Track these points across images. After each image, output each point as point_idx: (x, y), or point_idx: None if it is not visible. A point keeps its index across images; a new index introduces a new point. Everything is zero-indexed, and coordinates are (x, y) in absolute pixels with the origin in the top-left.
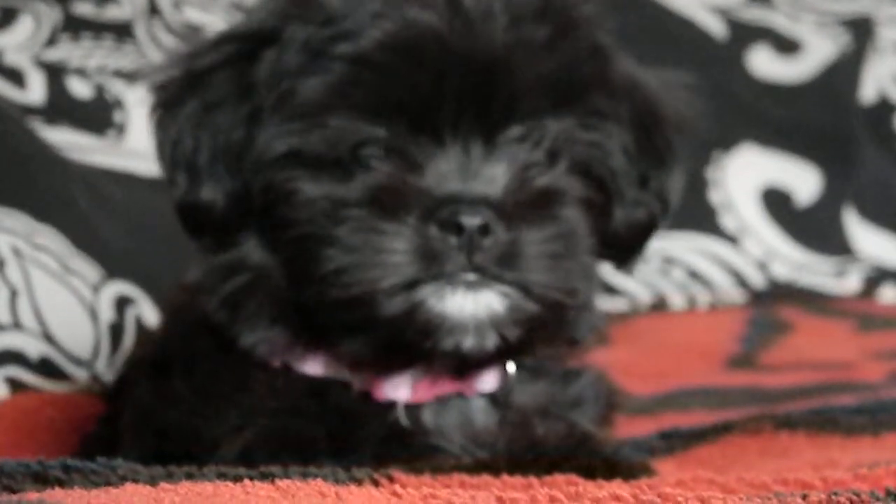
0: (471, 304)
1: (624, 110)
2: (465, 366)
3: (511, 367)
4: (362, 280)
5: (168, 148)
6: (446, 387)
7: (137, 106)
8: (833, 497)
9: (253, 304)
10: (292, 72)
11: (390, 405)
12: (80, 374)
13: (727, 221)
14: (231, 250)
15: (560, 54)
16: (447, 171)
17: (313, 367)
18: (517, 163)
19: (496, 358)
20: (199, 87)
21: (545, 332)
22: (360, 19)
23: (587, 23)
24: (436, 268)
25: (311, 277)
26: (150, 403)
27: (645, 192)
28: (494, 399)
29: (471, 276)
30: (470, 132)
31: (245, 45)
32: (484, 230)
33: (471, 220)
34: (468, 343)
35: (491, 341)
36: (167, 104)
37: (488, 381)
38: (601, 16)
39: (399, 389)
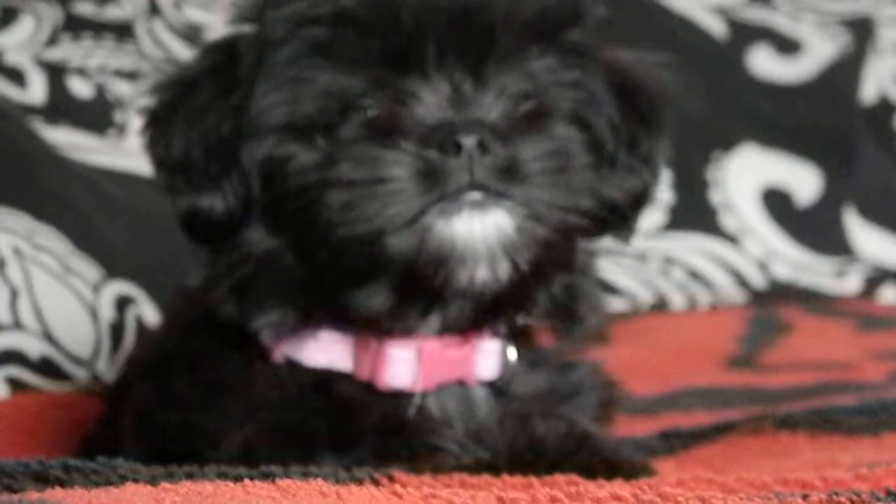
0: (479, 225)
1: (603, 72)
2: (478, 315)
3: (512, 354)
4: (367, 214)
5: (162, 158)
6: (449, 371)
7: (138, 106)
8: (833, 497)
9: (261, 288)
10: (276, 44)
11: (392, 397)
12: (81, 374)
13: (727, 221)
14: (235, 247)
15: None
16: (438, 101)
17: (318, 355)
18: (506, 92)
19: (507, 302)
20: (187, 94)
21: (554, 260)
22: None
23: None
24: (439, 190)
25: (315, 228)
26: (150, 402)
27: (634, 156)
28: (495, 388)
29: (475, 195)
30: (456, 68)
31: (227, 50)
32: (482, 147)
33: (468, 139)
34: (482, 273)
35: (503, 269)
36: (157, 121)
37: (489, 367)
38: None
39: (402, 376)
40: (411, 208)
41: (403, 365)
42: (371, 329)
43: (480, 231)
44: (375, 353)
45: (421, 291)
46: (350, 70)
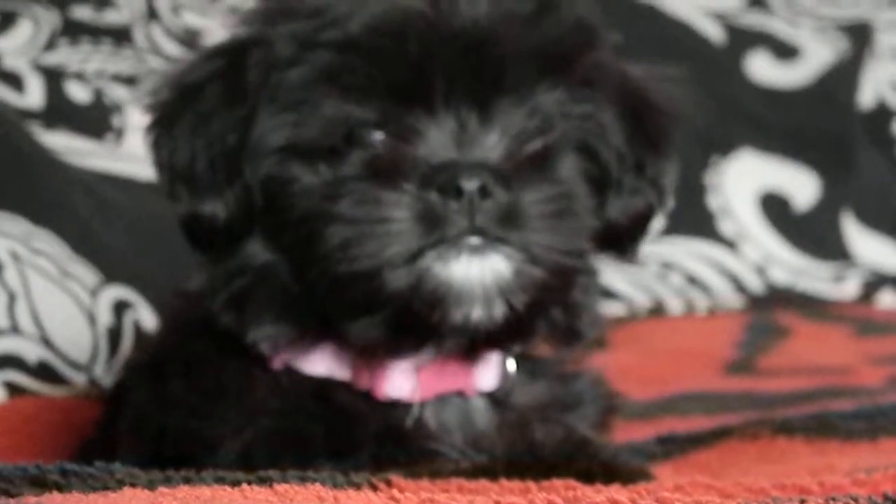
0: (476, 269)
1: (613, 95)
2: (473, 346)
3: (511, 365)
4: (366, 252)
5: (166, 163)
6: (448, 382)
7: (136, 110)
8: (831, 502)
9: (258, 301)
10: (282, 65)
11: (391, 405)
12: (79, 379)
13: (725, 226)
14: (235, 256)
15: (545, 25)
16: (442, 140)
17: (316, 364)
18: (512, 130)
19: (504, 336)
20: (192, 100)
21: (551, 300)
22: (344, 7)
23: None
24: (438, 233)
25: (315, 258)
26: (148, 406)
27: (641, 179)
28: (494, 399)
29: (474, 240)
30: (462, 103)
31: (234, 56)
32: (483, 192)
33: (470, 183)
34: (477, 313)
35: (499, 310)
36: (162, 123)
37: (488, 379)
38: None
39: (401, 388)
40: (410, 249)
41: (402, 376)
42: (365, 355)
43: (478, 275)
44: (371, 362)
45: (416, 327)
46: (356, 99)
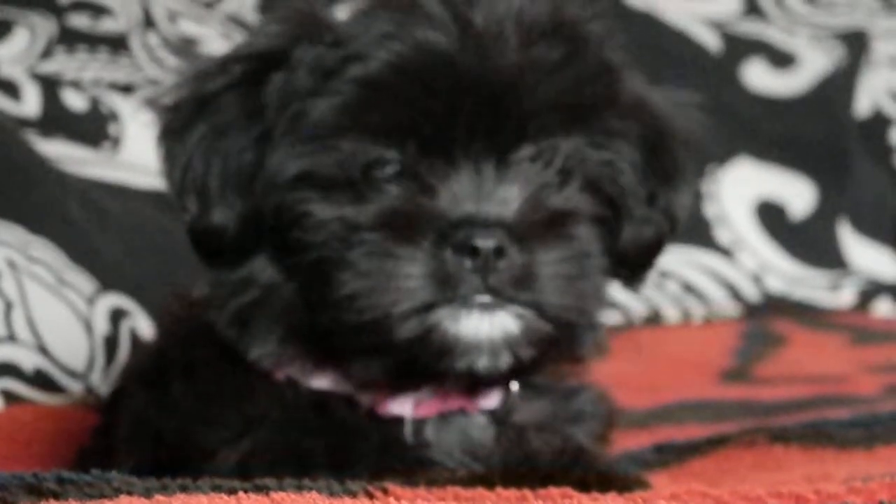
0: (486, 326)
1: (632, 128)
2: (475, 385)
3: (514, 386)
4: (377, 305)
5: (178, 173)
6: (450, 401)
7: (133, 118)
8: None
9: (263, 320)
10: (302, 94)
11: (392, 420)
12: (75, 387)
13: (722, 235)
14: (241, 269)
15: (571, 74)
16: (460, 193)
17: (318, 379)
18: (530, 184)
19: (506, 378)
20: (208, 110)
21: (557, 351)
22: (369, 41)
23: (598, 41)
24: (450, 291)
25: (324, 301)
26: (146, 412)
27: (653, 209)
28: (495, 416)
29: (486, 298)
30: (482, 153)
31: (253, 66)
32: (498, 252)
33: (485, 243)
34: (482, 363)
35: (504, 361)
36: (176, 129)
37: (491, 398)
38: (611, 33)
39: (403, 405)
40: (421, 303)
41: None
42: (367, 386)
43: (486, 332)
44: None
45: (419, 371)
46: (375, 138)
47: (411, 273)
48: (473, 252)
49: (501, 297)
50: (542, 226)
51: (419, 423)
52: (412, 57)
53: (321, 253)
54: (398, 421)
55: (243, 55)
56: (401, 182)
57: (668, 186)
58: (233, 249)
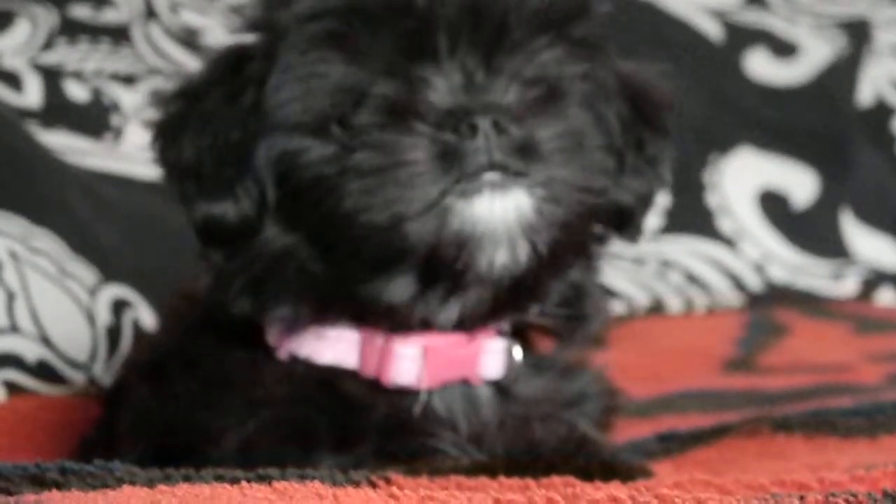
0: (499, 205)
1: (610, 81)
2: (496, 302)
3: (517, 353)
4: (386, 199)
5: (173, 168)
6: (454, 370)
7: (134, 110)
8: (830, 498)
9: (276, 283)
10: (286, 37)
11: (397, 394)
12: (78, 378)
13: (724, 224)
14: (249, 249)
15: None
16: (452, 88)
17: (324, 353)
18: (518, 79)
19: (523, 291)
20: (195, 105)
21: (570, 245)
22: None
23: None
24: (457, 171)
25: (334, 218)
26: (149, 402)
27: (641, 158)
28: (499, 388)
29: (494, 176)
30: (468, 57)
31: (236, 56)
32: (498, 128)
33: (484, 121)
34: (501, 257)
35: (523, 251)
36: (166, 131)
37: (494, 366)
38: None
39: (407, 373)
40: (431, 191)
41: (409, 362)
42: (388, 321)
43: (501, 212)
44: (381, 349)
45: (441, 277)
46: (362, 61)
47: (415, 159)
48: (473, 130)
49: (508, 172)
50: (536, 106)
51: (426, 394)
52: None
53: (324, 177)
54: (404, 394)
55: (228, 52)
56: (391, 87)
57: (653, 132)
58: (238, 233)
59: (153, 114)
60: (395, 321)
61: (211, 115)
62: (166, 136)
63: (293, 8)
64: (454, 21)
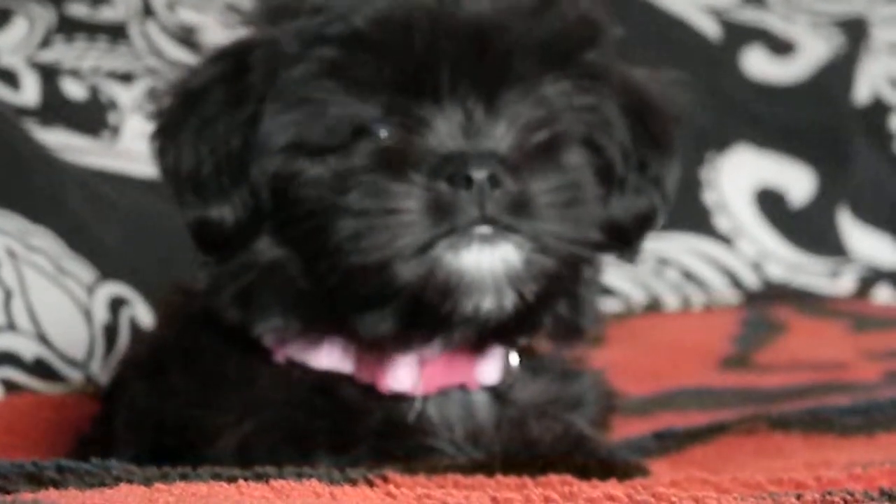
0: (487, 258)
1: (616, 91)
2: (481, 338)
3: (514, 359)
4: (376, 244)
5: (172, 170)
6: (451, 376)
7: (132, 107)
8: (827, 497)
9: (266, 295)
10: (287, 62)
11: (393, 399)
12: (75, 376)
13: (721, 222)
14: (243, 255)
15: (548, 20)
16: (450, 130)
17: (320, 358)
18: (519, 120)
19: (511, 328)
20: (195, 106)
21: (559, 290)
22: (349, 1)
23: None
24: (448, 223)
25: (324, 251)
26: (146, 401)
27: (644, 178)
28: (496, 393)
29: (484, 229)
30: (469, 95)
31: (236, 58)
32: (493, 182)
33: (479, 173)
34: (487, 303)
35: (509, 300)
36: (166, 130)
37: (491, 373)
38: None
39: (403, 381)
40: (421, 240)
41: (405, 369)
42: (374, 349)
43: (488, 264)
44: (377, 356)
45: (426, 318)
46: (362, 95)
47: (408, 207)
48: (468, 182)
49: (500, 227)
50: (533, 156)
51: (421, 401)
52: (392, 11)
53: (317, 204)
54: (400, 400)
55: (227, 50)
56: (389, 127)
57: (658, 153)
58: (233, 238)
59: (152, 110)
60: (382, 350)
61: (211, 119)
62: (166, 135)
63: (294, 24)
64: (457, 55)
